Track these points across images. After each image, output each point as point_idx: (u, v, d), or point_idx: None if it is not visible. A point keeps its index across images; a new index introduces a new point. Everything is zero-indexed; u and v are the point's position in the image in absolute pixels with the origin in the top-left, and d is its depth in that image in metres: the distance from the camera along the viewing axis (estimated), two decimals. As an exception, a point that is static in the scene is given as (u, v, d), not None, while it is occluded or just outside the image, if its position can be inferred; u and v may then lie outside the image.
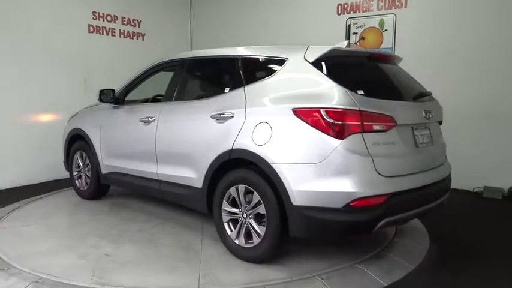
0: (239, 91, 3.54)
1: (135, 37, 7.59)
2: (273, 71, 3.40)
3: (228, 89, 3.66)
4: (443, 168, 3.65)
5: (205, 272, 3.18)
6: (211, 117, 3.60)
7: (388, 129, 3.04)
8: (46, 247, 3.67)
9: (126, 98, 4.86)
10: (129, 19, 7.45)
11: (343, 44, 3.44)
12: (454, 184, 5.81)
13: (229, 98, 3.60)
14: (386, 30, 6.55)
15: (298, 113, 3.05)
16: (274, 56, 3.48)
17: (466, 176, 5.85)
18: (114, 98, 4.73)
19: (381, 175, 2.95)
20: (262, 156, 3.17)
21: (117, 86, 4.92)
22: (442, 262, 3.50)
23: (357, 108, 2.91)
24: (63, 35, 6.44)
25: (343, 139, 2.89)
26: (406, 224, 4.32)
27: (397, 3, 6.41)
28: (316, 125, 2.97)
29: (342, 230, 3.06)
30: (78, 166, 5.32)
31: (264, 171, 3.15)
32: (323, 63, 3.17)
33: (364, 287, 3.00)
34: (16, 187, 5.90)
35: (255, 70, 3.62)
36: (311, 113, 3.00)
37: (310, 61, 3.19)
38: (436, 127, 3.71)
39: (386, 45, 6.55)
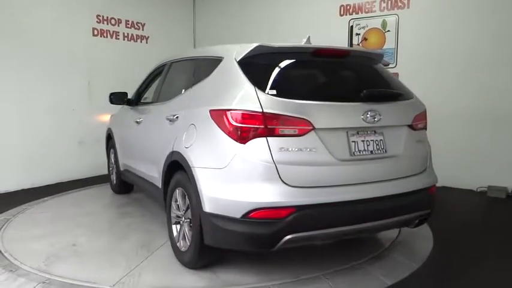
0: (187, 92, 3.58)
1: (139, 40, 7.64)
2: (210, 71, 3.29)
3: (184, 90, 3.69)
4: (410, 181, 3.10)
5: (137, 271, 3.21)
6: (166, 118, 3.68)
7: (303, 133, 2.70)
8: (40, 232, 4.10)
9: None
10: (132, 22, 7.51)
11: (304, 40, 3.33)
12: (458, 184, 5.92)
13: (180, 99, 3.67)
14: (389, 31, 6.57)
15: (212, 114, 2.93)
16: (214, 56, 3.36)
17: (470, 176, 5.89)
18: (126, 100, 4.92)
19: (288, 185, 2.64)
20: (186, 158, 3.09)
21: (122, 88, 4.99)
22: (445, 262, 3.51)
23: (260, 110, 2.67)
24: (68, 38, 6.49)
25: (245, 144, 2.69)
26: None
27: (399, 4, 6.42)
28: (223, 127, 2.81)
29: (241, 243, 2.80)
30: (111, 162, 5.78)
31: (188, 174, 3.07)
32: (247, 62, 2.99)
33: (368, 287, 3.01)
34: (22, 189, 5.96)
35: (201, 70, 3.54)
36: (221, 115, 2.84)
37: (237, 60, 3.02)
38: (399, 133, 3.13)
39: (388, 45, 6.57)
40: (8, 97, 5.82)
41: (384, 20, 6.59)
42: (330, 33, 7.01)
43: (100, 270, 3.23)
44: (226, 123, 2.78)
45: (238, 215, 2.66)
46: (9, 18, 5.76)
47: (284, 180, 2.64)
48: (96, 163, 6.73)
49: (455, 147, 6.08)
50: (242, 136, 2.70)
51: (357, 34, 6.87)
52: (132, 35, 7.52)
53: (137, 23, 7.59)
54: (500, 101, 5.74)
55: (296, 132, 2.70)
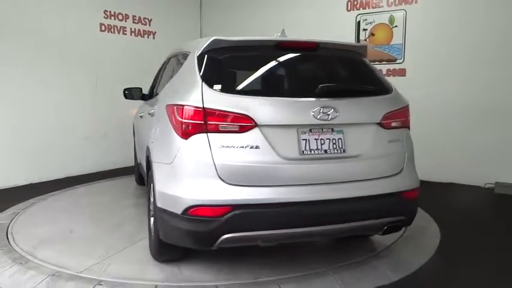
0: (164, 88, 3.63)
1: (145, 35, 7.66)
2: (180, 66, 3.31)
3: (165, 85, 3.70)
4: (376, 184, 2.87)
5: (109, 260, 3.28)
6: (148, 113, 3.80)
7: (244, 130, 2.62)
8: (45, 220, 4.35)
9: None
10: (140, 17, 7.52)
11: (277, 34, 3.28)
12: (466, 180, 5.89)
13: (159, 95, 3.73)
14: (396, 26, 6.53)
15: (167, 109, 2.93)
16: (186, 51, 3.32)
17: (478, 172, 5.85)
18: (140, 95, 4.81)
19: (226, 183, 2.57)
20: (150, 153, 3.19)
21: (128, 84, 5.00)
22: (452, 258, 3.50)
23: (200, 106, 2.62)
24: (76, 34, 6.53)
25: (187, 139, 2.65)
26: (417, 219, 4.34)
27: (407, -2, 6.38)
28: (171, 122, 2.80)
29: (183, 239, 2.78)
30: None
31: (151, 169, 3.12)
32: (204, 56, 2.91)
33: (374, 282, 3.01)
34: (31, 183, 6.02)
35: (177, 65, 3.57)
36: (171, 110, 2.85)
37: (196, 55, 2.96)
38: (365, 131, 2.92)
39: (396, 41, 6.53)
40: (17, 93, 5.87)
41: (391, 15, 6.55)
42: (337, 29, 7.01)
43: (77, 257, 3.35)
44: (173, 118, 2.78)
45: (179, 211, 2.64)
46: (17, 14, 5.79)
47: (222, 178, 2.57)
48: (103, 158, 6.78)
49: (463, 143, 6.05)
50: (185, 132, 2.66)
51: (364, 29, 6.84)
52: (139, 30, 7.54)
53: (144, 18, 7.60)
54: (508, 97, 5.69)
55: (237, 129, 2.62)
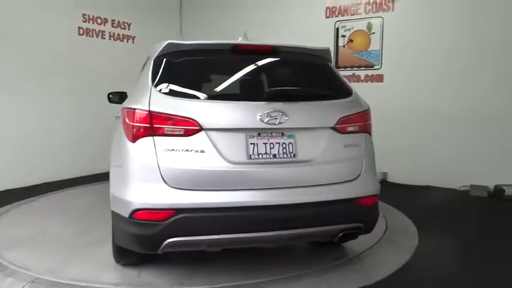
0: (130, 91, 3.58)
1: (125, 40, 7.60)
2: (142, 70, 3.34)
3: None
4: (329, 190, 2.82)
5: (70, 263, 3.31)
6: (115, 117, 3.75)
7: (190, 134, 2.62)
8: (24, 222, 4.40)
9: None
10: (119, 21, 7.46)
11: (240, 38, 3.29)
12: (442, 183, 6.05)
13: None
14: (374, 33, 6.69)
15: (122, 112, 2.94)
16: (149, 55, 3.29)
17: (453, 175, 6.02)
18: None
19: (171, 187, 2.57)
20: (110, 157, 3.14)
21: (108, 88, 4.93)
22: (430, 258, 3.58)
23: (147, 109, 2.63)
24: (53, 37, 6.42)
25: (134, 142, 2.65)
26: (396, 221, 4.45)
27: (384, 6, 6.55)
28: (123, 125, 2.83)
29: (130, 243, 2.79)
30: None
31: None
32: (159, 60, 2.94)
33: (355, 283, 3.05)
34: (8, 189, 5.86)
35: (142, 69, 3.51)
36: (123, 113, 2.88)
37: (153, 58, 2.99)
38: (318, 136, 2.87)
39: (374, 47, 6.69)
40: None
41: (369, 23, 6.71)
42: (316, 35, 7.09)
43: (41, 259, 3.38)
44: (124, 121, 2.81)
45: (126, 215, 2.63)
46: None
47: (167, 182, 2.57)
48: (84, 163, 6.68)
49: (439, 147, 6.23)
50: (133, 135, 2.67)
51: (343, 36, 6.98)
52: (118, 34, 7.47)
53: (123, 22, 7.54)
54: (482, 102, 5.89)
55: (182, 133, 2.62)
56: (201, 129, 2.63)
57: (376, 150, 6.85)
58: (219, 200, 2.60)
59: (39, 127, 6.29)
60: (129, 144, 2.68)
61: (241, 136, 2.70)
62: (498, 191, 5.68)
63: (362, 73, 6.82)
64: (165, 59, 2.94)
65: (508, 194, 5.56)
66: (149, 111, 2.63)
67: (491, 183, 5.79)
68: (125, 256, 3.17)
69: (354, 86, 6.75)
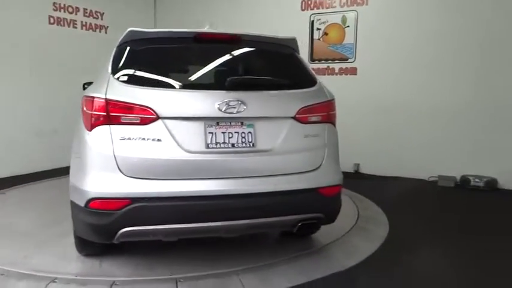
0: None
1: (97, 30, 7.45)
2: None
3: None
4: (288, 179, 2.80)
5: (35, 254, 3.29)
6: None
7: (146, 122, 2.58)
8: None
9: None
10: (91, 11, 7.30)
11: (206, 27, 3.29)
12: (411, 174, 6.23)
13: None
14: (348, 26, 6.78)
15: (82, 100, 2.89)
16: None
17: (422, 166, 6.22)
18: None
19: (126, 176, 2.55)
20: None
21: (81, 79, 4.85)
22: (400, 244, 3.71)
23: (103, 97, 2.60)
24: (23, 26, 6.23)
25: (91, 131, 2.62)
26: (368, 210, 4.57)
27: (358, 0, 6.64)
28: (82, 114, 2.80)
29: (86, 232, 2.78)
30: None
31: None
32: (122, 48, 2.93)
33: (328, 270, 3.13)
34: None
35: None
36: (82, 101, 2.84)
37: (116, 46, 2.97)
38: (278, 126, 2.84)
39: (348, 40, 6.79)
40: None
41: (343, 16, 6.80)
42: (292, 28, 7.13)
43: (5, 250, 3.38)
44: (82, 109, 2.78)
45: (82, 204, 2.61)
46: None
47: (123, 171, 2.55)
48: (55, 155, 6.54)
49: (409, 138, 6.41)
50: (90, 123, 2.65)
51: (318, 29, 7.05)
52: (90, 24, 7.31)
53: (96, 11, 7.38)
54: (450, 95, 6.08)
55: (139, 121, 2.58)
56: (157, 117, 2.60)
57: (348, 142, 6.97)
58: (175, 190, 2.59)
59: (6, 119, 6.12)
60: (86, 133, 2.65)
61: (200, 125, 2.68)
62: (464, 181, 5.90)
63: (336, 66, 6.92)
64: (126, 47, 2.92)
65: (474, 184, 5.80)
66: (105, 99, 2.59)
67: (458, 174, 6.01)
68: (86, 247, 3.14)
69: (328, 78, 6.94)
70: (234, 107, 2.69)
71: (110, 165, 2.55)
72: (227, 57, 3.11)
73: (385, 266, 3.27)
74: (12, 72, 6.13)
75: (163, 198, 2.57)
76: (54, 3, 6.67)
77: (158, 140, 2.59)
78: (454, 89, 6.06)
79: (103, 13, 7.51)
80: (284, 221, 2.89)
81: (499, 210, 4.93)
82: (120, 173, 2.55)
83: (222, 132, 2.70)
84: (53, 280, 2.85)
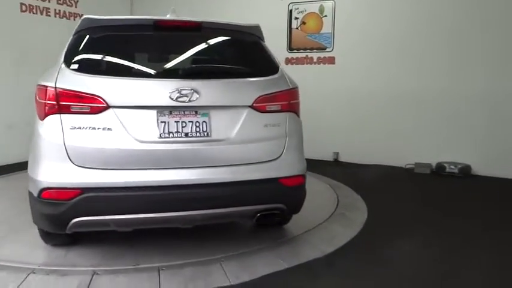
0: None
1: (71, 18, 7.25)
2: None
3: None
4: (245, 169, 2.76)
5: (4, 243, 3.29)
6: None
7: (96, 111, 2.54)
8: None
9: None
10: (64, -2, 7.11)
11: (168, 15, 3.23)
12: (389, 161, 6.36)
13: None
14: (326, 15, 6.81)
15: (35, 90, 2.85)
16: None
17: (399, 154, 6.34)
18: None
19: (77, 166, 2.52)
20: None
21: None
22: (378, 230, 3.79)
23: (53, 85, 2.56)
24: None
25: (43, 120, 2.60)
26: (347, 198, 4.64)
27: (336, -11, 6.67)
28: (35, 104, 2.75)
29: (40, 222, 2.78)
30: None
31: None
32: (77, 36, 2.88)
33: (307, 256, 3.17)
34: None
35: None
36: (36, 91, 2.78)
37: (73, 34, 2.91)
38: (234, 115, 2.78)
39: (326, 30, 6.82)
40: None
41: (321, 5, 6.82)
42: (270, 18, 7.13)
43: None
44: (35, 98, 2.74)
45: (36, 194, 2.61)
46: None
47: (73, 161, 2.53)
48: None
49: (386, 127, 6.52)
50: (41, 112, 2.63)
51: (296, 18, 7.05)
52: (64, 11, 7.11)
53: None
54: (426, 83, 6.20)
55: (88, 110, 2.54)
56: (108, 106, 2.56)
57: (328, 131, 7.07)
58: (127, 180, 2.56)
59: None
60: (39, 123, 2.62)
61: (152, 114, 2.62)
62: (440, 168, 6.05)
63: (315, 55, 6.94)
64: (81, 36, 2.85)
65: (449, 170, 5.95)
66: (55, 88, 2.56)
67: (434, 161, 6.16)
68: (50, 237, 3.09)
69: (307, 68, 6.96)
70: (187, 96, 2.64)
71: (60, 155, 2.52)
72: (186, 45, 3.04)
73: (364, 252, 3.33)
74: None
75: (114, 188, 2.55)
76: (25, -10, 6.46)
77: (108, 129, 2.55)
78: (429, 77, 6.18)
79: (77, 1, 7.32)
80: (241, 212, 2.83)
81: (472, 196, 5.08)
82: (71, 163, 2.52)
83: (175, 122, 2.65)
84: (33, 271, 2.80)
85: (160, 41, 3.05)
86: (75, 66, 2.69)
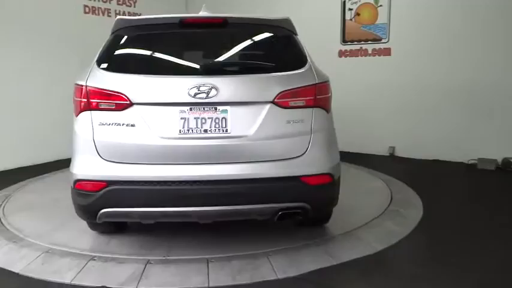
0: None
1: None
2: None
3: None
4: (267, 166, 2.71)
5: (59, 229, 3.54)
6: None
7: (121, 108, 2.67)
8: (35, 193, 4.75)
9: None
10: (124, -1, 7.44)
11: (201, 11, 3.30)
12: (451, 157, 6.04)
13: None
14: (381, 5, 6.57)
15: None
16: None
17: (461, 149, 6.00)
18: None
19: (104, 159, 2.68)
20: None
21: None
22: (433, 229, 3.60)
23: (84, 84, 2.73)
24: (59, 15, 6.43)
25: (77, 117, 2.79)
26: (402, 194, 4.48)
27: (392, -22, 6.41)
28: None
29: (77, 212, 2.92)
30: None
31: None
32: (114, 36, 3.02)
33: (358, 252, 3.11)
34: (21, 167, 6.00)
35: None
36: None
37: (110, 34, 3.07)
38: (255, 111, 2.73)
39: (381, 20, 6.58)
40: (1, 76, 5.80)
41: (376, -5, 6.59)
42: (323, 10, 7.03)
43: (38, 225, 3.65)
44: (73, 97, 2.90)
45: (72, 186, 2.80)
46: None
47: (101, 155, 2.69)
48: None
49: (447, 120, 6.19)
50: (76, 110, 2.81)
51: (350, 9, 6.87)
52: (124, 12, 7.45)
53: (129, 0, 7.51)
54: (492, 75, 5.79)
55: (114, 107, 2.68)
56: (131, 103, 2.68)
57: (383, 124, 6.84)
58: (148, 174, 2.66)
59: (52, 107, 6.37)
60: (75, 119, 2.83)
61: (173, 111, 2.69)
62: (506, 164, 5.64)
63: (369, 47, 6.73)
64: (114, 36, 3.02)
65: (516, 167, 5.54)
66: (85, 86, 2.73)
67: (499, 157, 5.75)
68: (95, 225, 3.32)
69: (361, 60, 6.76)
70: (205, 92, 2.66)
71: (91, 150, 2.70)
72: (210, 41, 3.09)
73: (417, 251, 3.20)
74: (51, 62, 6.35)
75: (136, 182, 2.66)
76: (88, -8, 6.84)
77: (132, 125, 2.67)
78: (494, 69, 5.75)
79: (135, 1, 7.64)
80: (260, 209, 2.77)
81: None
82: (99, 157, 2.69)
83: (195, 118, 2.69)
84: (92, 258, 3.00)
85: (185, 38, 3.09)
86: (105, 65, 2.85)
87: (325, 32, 7.03)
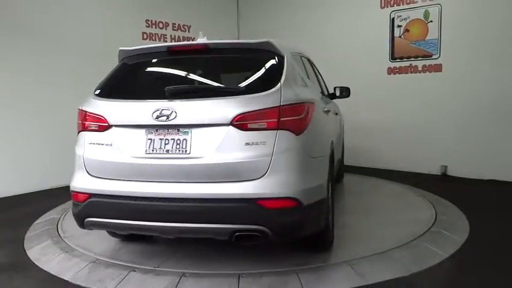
0: None
1: (185, 41, 8.00)
2: None
3: None
4: (221, 187, 2.73)
5: (90, 233, 3.66)
6: None
7: (102, 129, 3.03)
8: None
9: None
10: (179, 25, 7.89)
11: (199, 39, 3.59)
12: (506, 177, 5.68)
13: None
14: (431, 21, 6.43)
15: None
16: None
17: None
18: None
19: (89, 174, 3.04)
20: None
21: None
22: (476, 254, 3.43)
23: (81, 108, 3.17)
24: (120, 43, 6.92)
25: (78, 135, 3.19)
26: (447, 215, 4.31)
27: (442, -7, 6.27)
28: None
29: (75, 220, 3.18)
30: None
31: None
32: (119, 65, 3.43)
33: (390, 273, 3.04)
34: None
35: None
36: None
37: (118, 62, 3.45)
38: (214, 133, 2.77)
39: (431, 36, 6.44)
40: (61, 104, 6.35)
41: (426, 11, 6.46)
42: (370, 27, 7.01)
43: (88, 237, 3.88)
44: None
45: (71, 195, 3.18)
46: (64, 24, 6.28)
47: (88, 170, 3.05)
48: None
49: (504, 139, 5.86)
50: (78, 129, 3.20)
51: (399, 26, 6.79)
52: (178, 37, 7.91)
53: (183, 25, 7.97)
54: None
55: (98, 128, 3.04)
56: (110, 125, 3.01)
57: (433, 143, 6.61)
58: (120, 189, 2.93)
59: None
60: (76, 138, 3.21)
61: (142, 132, 2.95)
62: None
63: (419, 63, 6.59)
64: (119, 64, 3.44)
65: None
66: (81, 110, 3.16)
67: None
68: (111, 233, 3.72)
69: (411, 77, 6.63)
70: (166, 116, 2.84)
71: (81, 165, 3.09)
72: (190, 67, 3.39)
73: (452, 277, 3.08)
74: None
75: (111, 196, 2.96)
76: (146, 20, 7.36)
77: (110, 144, 3.00)
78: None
79: (190, 26, 8.07)
80: (216, 229, 2.78)
81: None
82: (86, 172, 3.06)
83: (160, 139, 2.91)
84: (133, 269, 3.22)
85: (170, 64, 3.39)
86: (97, 92, 3.24)
87: (373, 50, 6.99)
